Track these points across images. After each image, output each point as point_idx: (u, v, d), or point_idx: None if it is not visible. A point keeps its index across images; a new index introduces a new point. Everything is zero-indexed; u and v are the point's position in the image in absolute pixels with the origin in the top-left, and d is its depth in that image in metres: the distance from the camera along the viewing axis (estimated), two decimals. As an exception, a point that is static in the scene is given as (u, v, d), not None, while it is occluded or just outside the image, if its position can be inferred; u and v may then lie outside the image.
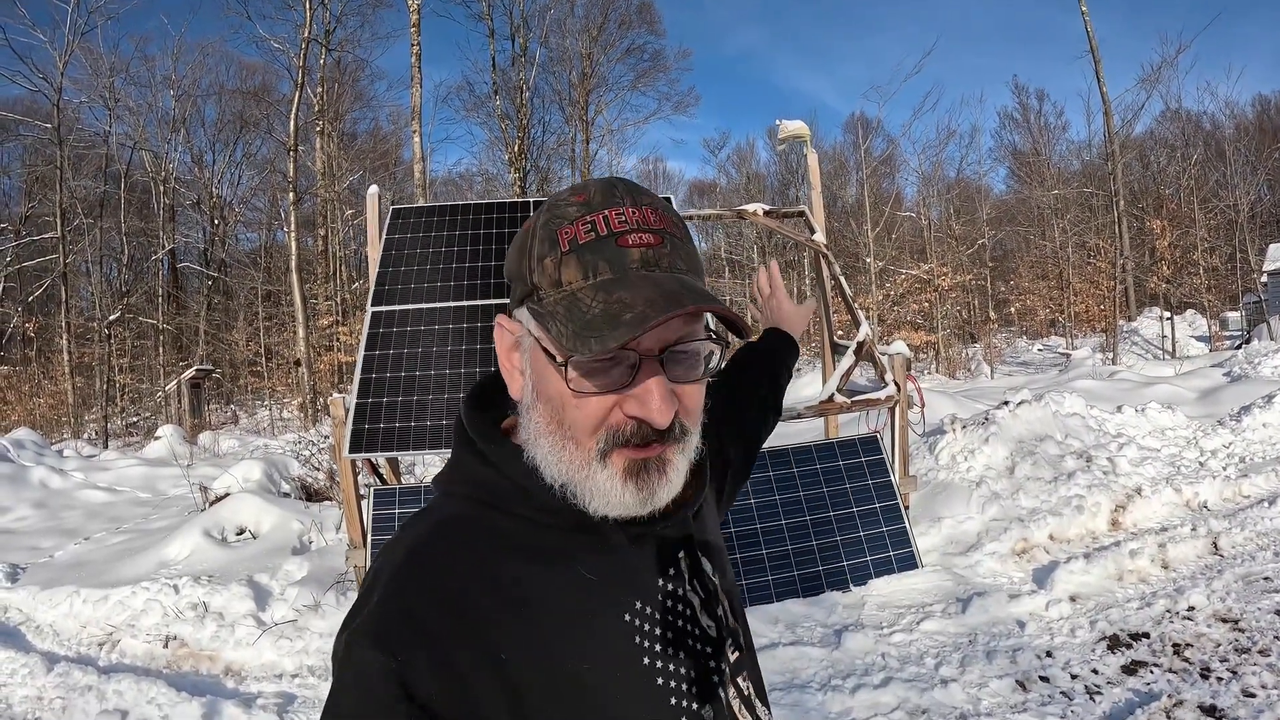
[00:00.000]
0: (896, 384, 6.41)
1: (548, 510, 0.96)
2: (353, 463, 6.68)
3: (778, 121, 8.85)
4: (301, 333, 26.84)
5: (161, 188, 36.54)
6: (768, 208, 8.28)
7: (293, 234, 28.30)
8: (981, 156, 43.03)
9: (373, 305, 7.78)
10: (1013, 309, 36.22)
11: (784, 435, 9.89)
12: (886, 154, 38.21)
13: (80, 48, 30.08)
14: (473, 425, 1.03)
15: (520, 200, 8.78)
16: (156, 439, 18.75)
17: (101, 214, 34.72)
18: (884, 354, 6.60)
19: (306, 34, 27.96)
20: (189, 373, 31.29)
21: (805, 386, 17.38)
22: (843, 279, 7.43)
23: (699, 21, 78.68)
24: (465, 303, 7.67)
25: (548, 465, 0.95)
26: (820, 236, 7.84)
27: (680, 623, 1.01)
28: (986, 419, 8.68)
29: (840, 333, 8.15)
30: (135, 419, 30.60)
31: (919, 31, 76.79)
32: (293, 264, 27.46)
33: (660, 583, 1.02)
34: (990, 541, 6.66)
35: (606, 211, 0.93)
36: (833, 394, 6.33)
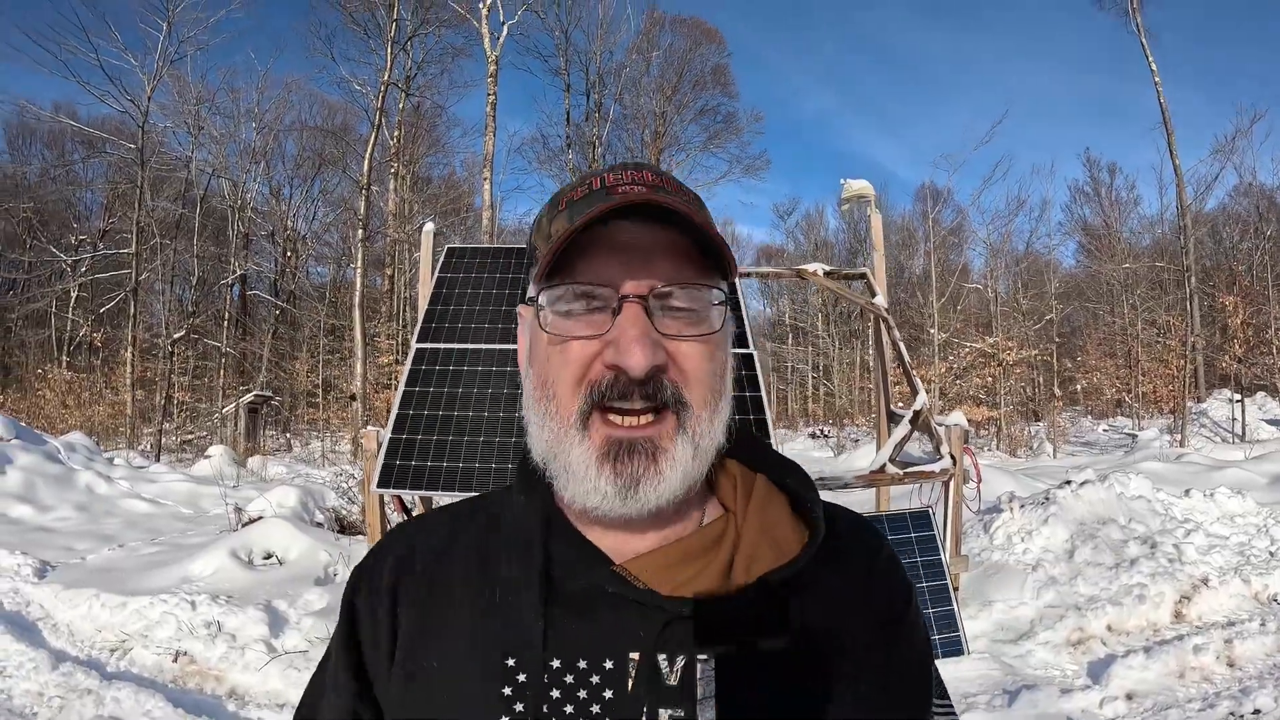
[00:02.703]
0: (952, 457, 6.10)
1: (522, 514, 0.94)
2: (381, 498, 6.56)
3: (842, 181, 8.64)
4: (360, 368, 27.08)
5: (237, 216, 37.29)
6: (828, 268, 8.05)
7: (359, 271, 28.68)
8: (1051, 230, 42.30)
9: (418, 341, 7.68)
10: (1078, 386, 35.42)
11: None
12: (955, 224, 37.87)
13: (169, 74, 30.96)
14: None
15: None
16: (206, 457, 18.94)
17: (177, 235, 35.55)
18: (941, 425, 6.30)
19: (386, 78, 28.57)
20: (248, 397, 31.74)
21: (860, 457, 17.07)
22: (902, 345, 7.15)
23: (771, 85, 79.23)
24: (511, 346, 7.49)
25: (536, 442, 0.90)
26: (881, 300, 7.58)
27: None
28: (1047, 498, 8.35)
29: (899, 402, 7.85)
30: (190, 436, 30.98)
31: (990, 100, 76.39)
32: (356, 300, 27.82)
33: (580, 661, 0.86)
34: (1044, 630, 6.33)
35: (605, 174, 0.91)
36: (884, 464, 6.04)
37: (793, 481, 0.99)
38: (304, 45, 44.48)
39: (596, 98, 37.06)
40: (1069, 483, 8.66)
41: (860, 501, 10.34)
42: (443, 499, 10.28)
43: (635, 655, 0.85)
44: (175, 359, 31.37)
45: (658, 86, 38.76)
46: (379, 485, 6.33)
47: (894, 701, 0.92)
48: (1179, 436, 22.71)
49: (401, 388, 7.29)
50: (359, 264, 29.03)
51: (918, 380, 6.56)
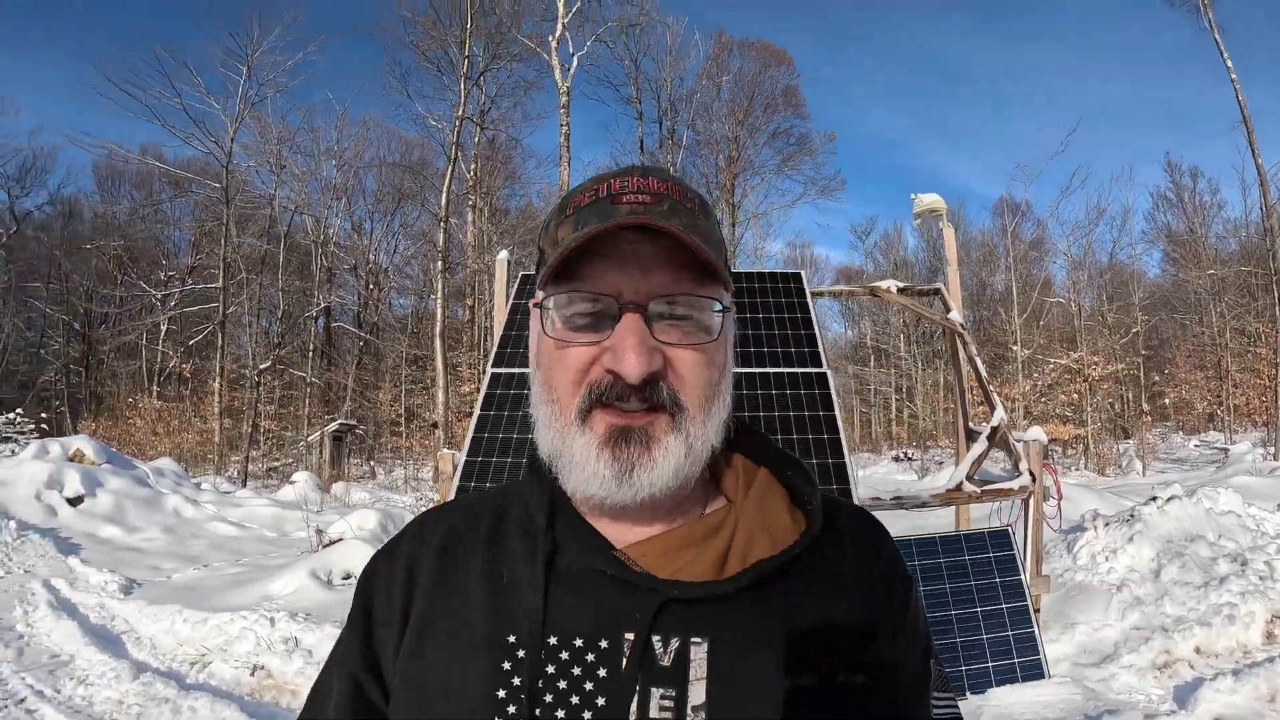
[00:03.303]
0: (1031, 473, 5.98)
1: (531, 500, 0.99)
2: None
3: (913, 196, 8.53)
4: (441, 397, 27.37)
5: (320, 250, 38.08)
6: (902, 285, 7.96)
7: (440, 301, 29.02)
8: (1134, 239, 41.14)
9: (493, 366, 7.78)
10: (1167, 401, 34.38)
11: (909, 525, 9.40)
12: (1036, 238, 37.09)
13: (251, 116, 31.80)
14: None
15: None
16: (291, 483, 19.26)
17: (262, 270, 36.41)
18: (1019, 441, 6.18)
19: (460, 113, 28.93)
20: (332, 425, 32.24)
21: (943, 479, 16.81)
22: (979, 360, 7.04)
23: (843, 105, 78.47)
24: None
25: (542, 439, 0.96)
26: (956, 315, 7.47)
27: (556, 698, 0.87)
28: (1132, 516, 8.11)
29: (978, 419, 7.72)
30: (276, 463, 31.61)
31: (1062, 109, 74.49)
32: (438, 330, 28.15)
33: (576, 639, 0.89)
34: (1128, 653, 6.14)
35: (612, 181, 0.94)
36: (961, 482, 5.94)
37: (793, 475, 1.03)
38: (380, 84, 45.36)
39: (669, 124, 37.21)
40: (1155, 499, 8.41)
41: (938, 520, 10.19)
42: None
43: (630, 635, 0.88)
44: (261, 389, 32.05)
45: (729, 111, 38.74)
46: (454, 506, 6.38)
47: (891, 692, 0.94)
48: (1273, 450, 21.97)
49: (477, 411, 7.31)
50: (439, 295, 29.38)
51: (995, 396, 6.45)
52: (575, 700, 0.86)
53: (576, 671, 0.88)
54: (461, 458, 6.78)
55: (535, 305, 0.96)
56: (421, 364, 38.84)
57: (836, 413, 6.38)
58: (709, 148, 38.94)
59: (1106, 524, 7.97)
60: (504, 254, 9.07)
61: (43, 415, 22.30)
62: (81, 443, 13.95)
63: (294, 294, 38.40)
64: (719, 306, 0.93)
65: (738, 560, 0.92)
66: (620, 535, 0.95)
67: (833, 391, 6.61)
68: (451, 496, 6.43)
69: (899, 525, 10.00)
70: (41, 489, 11.94)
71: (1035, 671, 5.68)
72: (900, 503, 5.92)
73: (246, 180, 35.14)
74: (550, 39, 28.17)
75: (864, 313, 45.70)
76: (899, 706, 0.95)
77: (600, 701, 0.86)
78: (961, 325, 7.44)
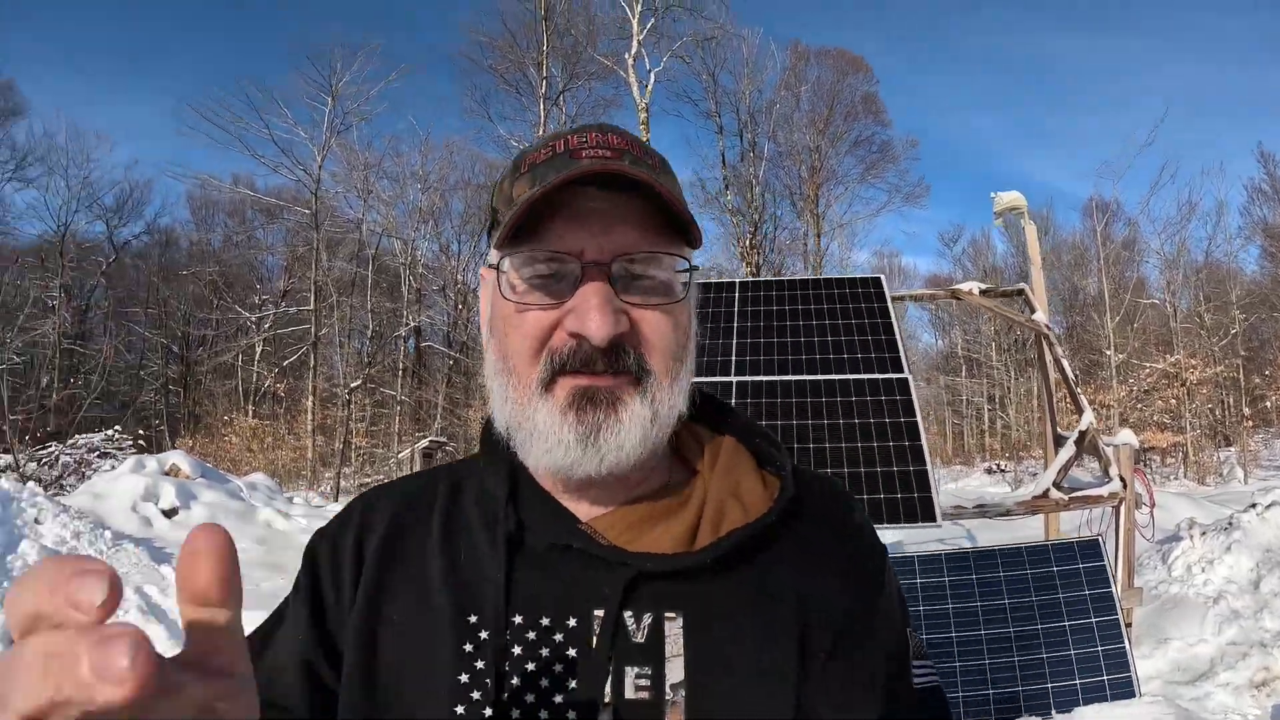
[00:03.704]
0: (1122, 479, 5.79)
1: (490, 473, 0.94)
2: None
3: (993, 195, 8.35)
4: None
5: (409, 272, 38.71)
6: (984, 286, 7.80)
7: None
8: (1229, 235, 39.44)
9: None
10: (1269, 404, 32.97)
11: (995, 534, 9.18)
12: (1127, 237, 35.91)
13: (337, 144, 32.49)
14: None
15: (726, 281, 8.71)
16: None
17: (352, 292, 37.15)
18: (1109, 445, 6.00)
19: (541, 133, 29.16)
20: (423, 442, 32.59)
21: (1028, 484, 16.42)
22: (1065, 362, 6.86)
23: (923, 110, 76.34)
24: None
25: (499, 412, 0.91)
26: (1041, 316, 7.29)
27: (525, 682, 0.82)
28: (1230, 524, 7.79)
29: (1065, 423, 7.53)
30: (368, 479, 32.16)
31: (1150, 103, 71.38)
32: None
33: (543, 618, 0.84)
34: (1225, 670, 5.90)
35: (569, 137, 0.90)
36: (1048, 489, 5.78)
37: (760, 441, 0.99)
38: (461, 108, 45.91)
39: (750, 137, 36.95)
40: (1255, 505, 8.08)
41: (1025, 529, 9.91)
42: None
43: (600, 612, 0.83)
44: (353, 407, 32.67)
45: (809, 121, 38.31)
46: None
47: (871, 662, 0.90)
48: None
49: None
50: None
51: (1083, 398, 6.28)
52: (545, 683, 0.82)
53: (545, 652, 0.83)
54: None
55: (490, 268, 0.91)
56: (511, 383, 39.16)
57: (918, 418, 6.28)
58: (791, 159, 38.55)
59: (1203, 533, 7.68)
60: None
61: (140, 432, 22.99)
62: (177, 458, 14.33)
63: (384, 314, 39.07)
64: (684, 265, 0.90)
65: (709, 530, 0.88)
66: (585, 510, 0.91)
67: (914, 397, 6.50)
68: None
69: (987, 537, 9.77)
70: (138, 501, 12.26)
71: (1125, 690, 5.43)
72: (983, 511, 5.79)
73: (335, 206, 35.87)
74: (626, 56, 28.33)
75: (954, 321, 44.74)
76: (881, 676, 0.90)
77: (572, 684, 0.82)
78: (1047, 326, 7.26)
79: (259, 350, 37.51)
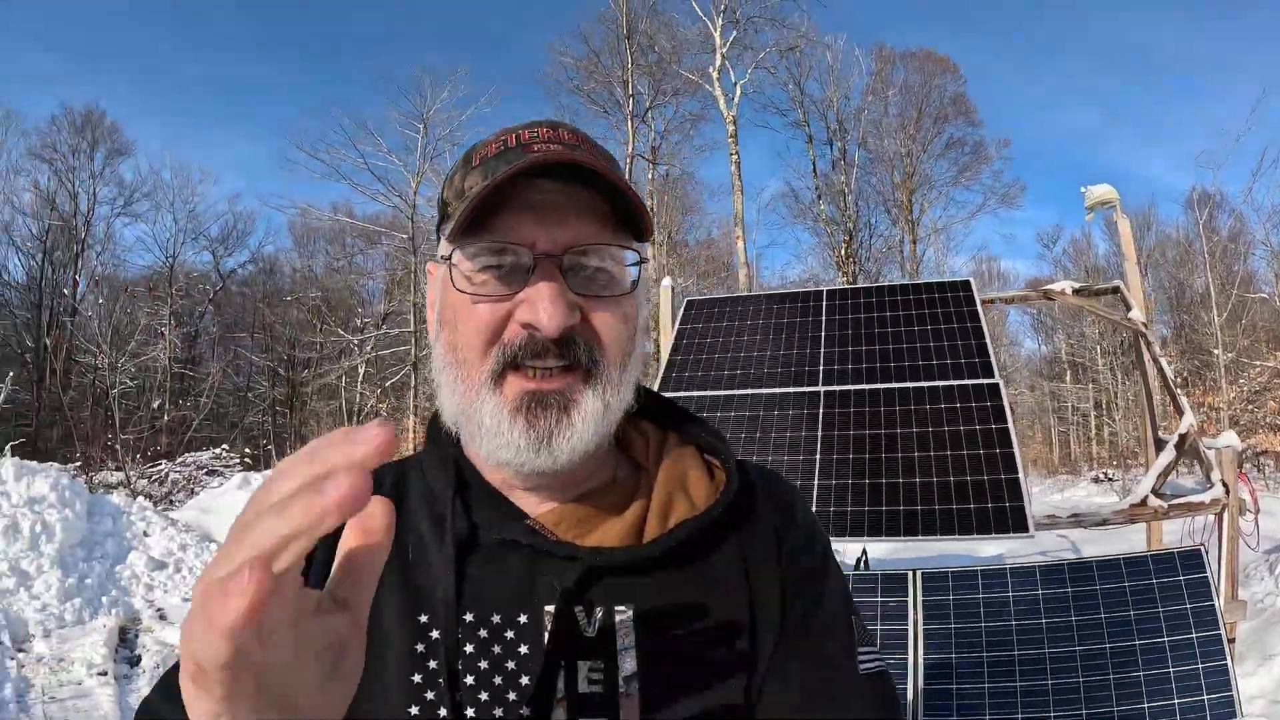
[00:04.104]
0: (1224, 484, 5.51)
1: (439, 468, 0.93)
2: None
3: (1083, 189, 8.09)
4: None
5: (505, 293, 39.38)
6: (1077, 285, 7.53)
7: (665, 329, 29.41)
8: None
9: (659, 390, 7.84)
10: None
11: (1100, 547, 8.81)
12: (1233, 230, 34.27)
13: (431, 170, 33.14)
14: None
15: (814, 290, 8.62)
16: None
17: (453, 313, 37.98)
18: (1210, 449, 5.72)
19: (630, 151, 29.54)
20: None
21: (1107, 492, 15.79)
22: (1163, 361, 6.57)
23: (1015, 107, 73.13)
24: (749, 391, 7.57)
25: (446, 404, 0.90)
26: (1138, 314, 7.00)
27: (478, 680, 0.84)
28: (1345, 531, 7.38)
29: (1167, 426, 7.22)
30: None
31: (1252, 87, 67.16)
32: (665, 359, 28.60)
33: (494, 616, 0.85)
34: (1334, 689, 5.55)
35: (520, 131, 0.91)
36: (1145, 496, 5.53)
37: (704, 435, 1.01)
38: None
39: (840, 145, 36.45)
40: (1371, 512, 7.66)
41: (1124, 539, 9.45)
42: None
43: (551, 608, 0.84)
44: (454, 425, 33.44)
45: (899, 125, 37.58)
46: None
47: (818, 650, 0.91)
48: None
49: None
50: (664, 323, 29.68)
51: (1183, 399, 6.00)
52: (498, 680, 0.83)
53: (497, 650, 0.84)
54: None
55: (441, 259, 0.90)
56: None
57: (1009, 425, 6.11)
58: (882, 165, 37.88)
59: (1318, 541, 7.30)
60: (667, 280, 9.21)
61: (247, 451, 23.70)
62: (281, 475, 14.81)
63: (482, 334, 39.87)
64: (634, 258, 0.90)
65: (657, 523, 0.89)
66: (532, 505, 0.91)
67: (1005, 403, 6.33)
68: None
69: (1092, 549, 9.39)
70: (243, 515, 12.75)
71: (1226, 710, 5.06)
72: (1078, 521, 5.57)
73: (431, 230, 36.71)
74: (711, 70, 28.41)
75: (1057, 325, 43.29)
76: (828, 663, 0.91)
77: (524, 680, 0.82)
78: (1144, 325, 6.97)
79: (361, 371, 38.41)
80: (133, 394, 32.25)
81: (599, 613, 0.84)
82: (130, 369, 32.60)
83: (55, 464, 12.43)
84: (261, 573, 0.44)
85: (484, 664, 0.83)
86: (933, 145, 38.46)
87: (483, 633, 0.84)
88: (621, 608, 0.84)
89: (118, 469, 16.51)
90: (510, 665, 0.83)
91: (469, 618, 0.84)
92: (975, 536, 5.54)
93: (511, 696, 0.82)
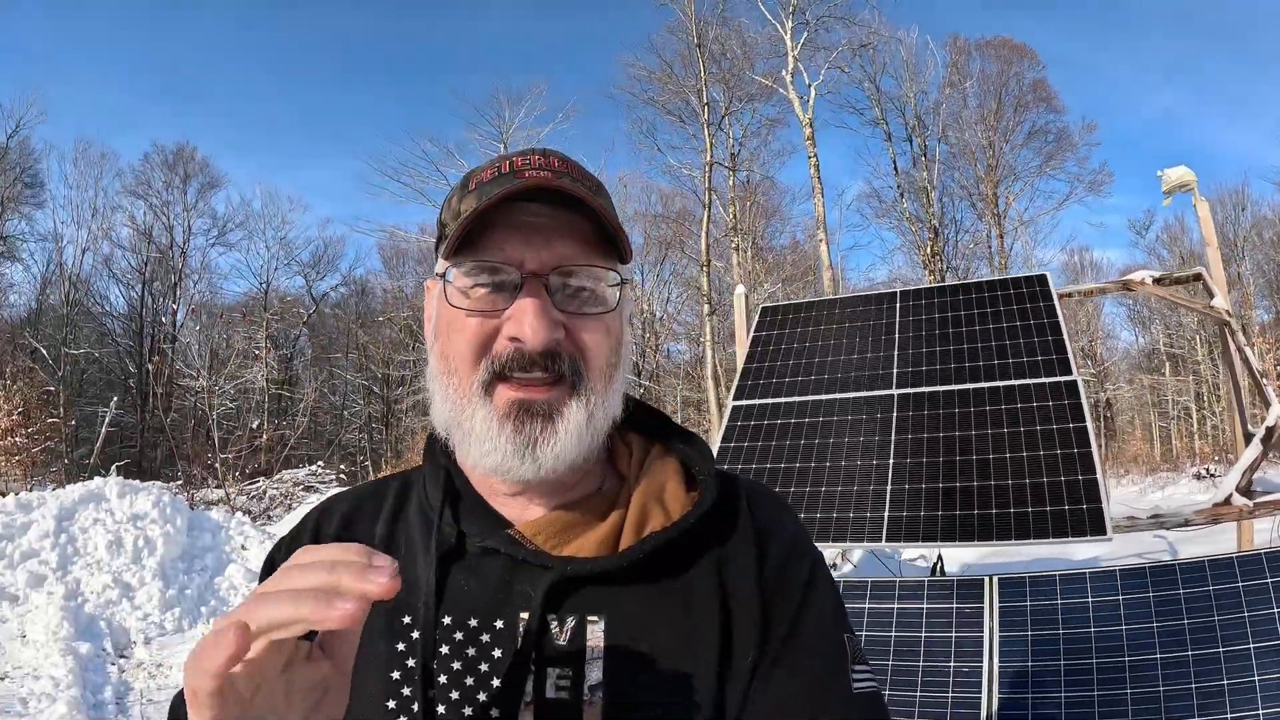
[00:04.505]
0: (1316, 480, 5.25)
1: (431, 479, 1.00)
2: None
3: (1159, 173, 7.81)
4: (717, 439, 27.75)
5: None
6: (1157, 274, 7.24)
7: (709, 344, 29.49)
8: None
9: (734, 399, 7.95)
10: None
11: (1194, 547, 8.41)
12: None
13: (512, 188, 33.76)
14: None
15: (885, 291, 8.51)
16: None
17: (539, 328, 38.41)
18: (1298, 443, 5.47)
19: (709, 159, 29.53)
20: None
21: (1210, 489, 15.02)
22: (1248, 350, 6.30)
23: (1099, 91, 69.39)
24: (822, 396, 7.54)
25: (439, 412, 0.95)
26: (1220, 301, 6.70)
27: (451, 680, 0.89)
28: None
29: (1255, 419, 6.92)
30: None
31: None
32: (708, 372, 28.62)
33: (471, 620, 0.91)
34: None
35: (514, 159, 0.96)
36: (1230, 494, 5.29)
37: (687, 449, 1.04)
38: (629, 142, 46.79)
39: (920, 141, 35.67)
40: None
41: (1208, 541, 8.98)
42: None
43: (525, 615, 0.88)
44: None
45: (979, 117, 36.58)
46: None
47: (800, 665, 0.92)
48: None
49: (716, 444, 7.46)
50: (708, 338, 29.85)
51: (1270, 390, 5.74)
52: (470, 681, 0.87)
53: (471, 653, 0.89)
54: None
55: (437, 277, 0.97)
56: (699, 406, 39.44)
57: (1087, 424, 5.92)
58: (964, 159, 36.88)
59: None
60: (741, 289, 9.22)
61: (343, 468, 24.24)
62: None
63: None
64: (616, 279, 0.95)
65: (631, 534, 0.92)
66: (517, 512, 0.96)
67: (1083, 401, 6.15)
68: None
69: (1190, 550, 8.98)
70: (337, 528, 13.14)
71: None
72: (1160, 522, 5.36)
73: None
74: (784, 74, 28.12)
75: (1154, 316, 41.79)
76: (812, 680, 0.92)
77: (495, 683, 0.87)
78: (1227, 313, 6.67)
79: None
80: (233, 415, 33.35)
81: (571, 621, 0.88)
82: (229, 391, 33.67)
83: (158, 482, 12.97)
84: (241, 637, 0.58)
85: (457, 665, 0.88)
86: (1015, 135, 37.31)
87: (458, 635, 0.90)
88: (594, 617, 0.88)
89: (218, 486, 17.07)
90: (483, 668, 0.88)
91: (447, 620, 0.90)
92: (1051, 540, 5.39)
93: (481, 698, 0.86)
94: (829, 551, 10.87)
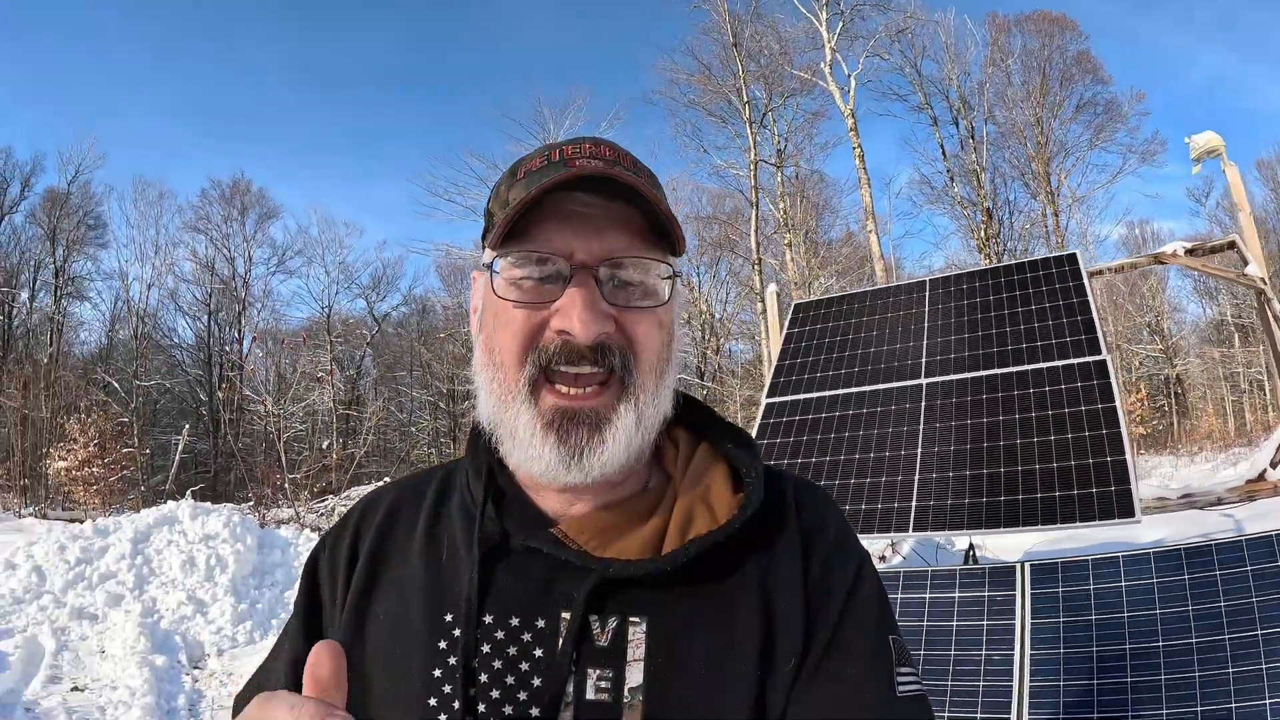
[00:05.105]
0: (1350, 453, 5.06)
1: (471, 479, 0.99)
2: None
3: (1187, 140, 7.62)
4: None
5: (652, 310, 39.62)
6: (1189, 245, 7.04)
7: (766, 341, 29.40)
8: None
9: (767, 397, 7.92)
10: None
11: (1263, 523, 8.04)
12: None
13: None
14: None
15: (916, 281, 8.42)
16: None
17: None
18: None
19: (753, 157, 29.61)
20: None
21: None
22: (1283, 320, 6.09)
23: (1145, 58, 66.27)
24: (853, 389, 7.51)
25: (483, 406, 0.94)
26: (1255, 269, 6.49)
27: (492, 678, 0.87)
28: None
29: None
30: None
31: None
32: (765, 369, 28.47)
33: (513, 619, 0.90)
34: None
35: (564, 147, 0.94)
36: (1264, 470, 5.12)
37: (734, 447, 1.00)
38: (675, 146, 46.90)
39: (966, 123, 34.98)
40: None
41: (1246, 520, 8.59)
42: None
43: (567, 615, 0.87)
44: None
45: (1025, 94, 35.66)
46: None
47: (842, 668, 0.90)
48: None
49: None
50: (765, 335, 29.71)
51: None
52: (510, 680, 0.86)
53: (512, 651, 0.87)
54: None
55: (484, 267, 0.94)
56: (759, 405, 39.08)
57: (1117, 404, 5.82)
58: (1013, 138, 35.89)
59: None
60: (773, 286, 9.22)
61: (406, 480, 24.74)
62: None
63: (632, 355, 40.37)
64: (668, 271, 0.93)
65: (676, 536, 0.90)
66: (561, 509, 0.95)
67: (1113, 381, 6.03)
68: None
69: (1259, 526, 8.57)
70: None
71: None
72: (1190, 501, 5.22)
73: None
74: (822, 66, 27.99)
75: (1220, 287, 40.28)
76: (855, 682, 0.90)
77: (536, 682, 0.85)
78: (1262, 280, 6.47)
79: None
80: (302, 436, 33.97)
81: (613, 623, 0.87)
82: (298, 413, 34.28)
83: (229, 504, 13.38)
84: None
85: (498, 664, 0.87)
86: (1062, 110, 36.16)
87: (500, 634, 0.88)
88: (635, 619, 0.87)
89: (288, 505, 17.45)
90: (524, 667, 0.87)
91: (488, 619, 0.89)
92: (1079, 524, 5.28)
93: (522, 696, 0.85)
94: (875, 544, 10.78)
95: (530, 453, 0.88)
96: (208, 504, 11.08)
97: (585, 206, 0.89)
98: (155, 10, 56.80)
